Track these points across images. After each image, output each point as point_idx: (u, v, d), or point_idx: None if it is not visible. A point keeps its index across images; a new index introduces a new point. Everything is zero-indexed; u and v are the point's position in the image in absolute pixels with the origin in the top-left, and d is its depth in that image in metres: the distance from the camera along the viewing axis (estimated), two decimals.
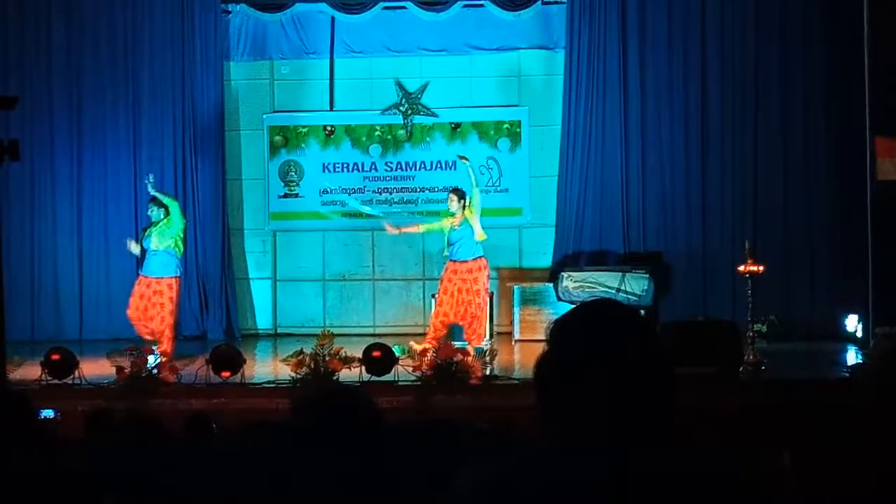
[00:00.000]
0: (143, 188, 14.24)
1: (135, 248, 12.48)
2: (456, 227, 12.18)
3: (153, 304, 12.23)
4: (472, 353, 11.82)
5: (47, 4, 14.50)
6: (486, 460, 2.04)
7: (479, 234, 12.16)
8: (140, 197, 14.29)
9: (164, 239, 12.15)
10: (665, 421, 2.00)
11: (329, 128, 15.07)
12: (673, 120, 14.30)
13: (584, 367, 2.01)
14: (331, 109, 15.08)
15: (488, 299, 12.56)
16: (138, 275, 12.47)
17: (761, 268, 11.39)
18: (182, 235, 12.33)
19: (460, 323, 12.32)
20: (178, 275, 12.41)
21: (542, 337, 2.18)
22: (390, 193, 14.99)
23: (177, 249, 12.28)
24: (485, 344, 12.34)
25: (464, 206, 12.17)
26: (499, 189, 14.82)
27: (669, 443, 1.99)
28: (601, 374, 2.00)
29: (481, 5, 14.68)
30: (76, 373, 10.85)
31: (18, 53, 14.49)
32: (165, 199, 12.34)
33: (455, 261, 12.28)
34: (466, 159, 12.68)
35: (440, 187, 14.81)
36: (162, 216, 12.18)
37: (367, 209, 14.98)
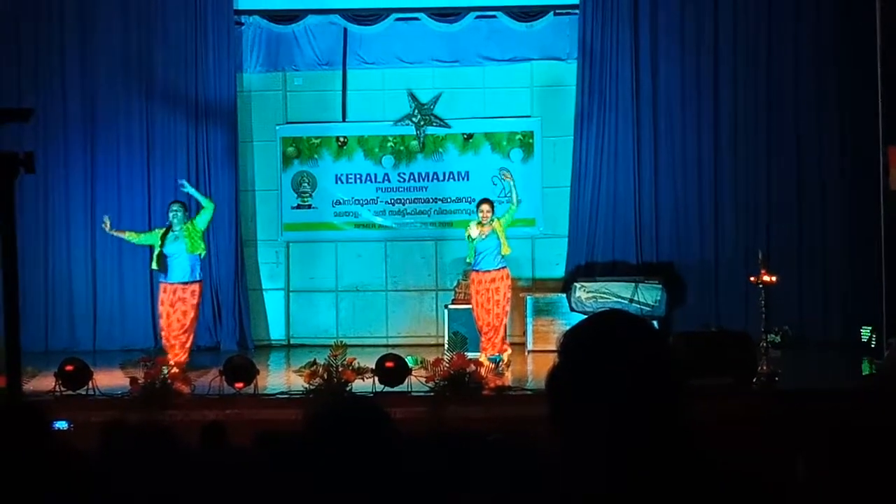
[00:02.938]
0: (156, 198, 14.32)
1: (109, 229, 12.44)
2: (483, 238, 12.20)
3: (175, 311, 12.20)
4: (485, 362, 11.83)
5: (61, 17, 14.54)
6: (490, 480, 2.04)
7: (505, 248, 12.18)
8: (154, 207, 14.32)
9: (198, 245, 12.14)
10: (674, 431, 2.00)
11: (342, 139, 15.09)
12: (685, 130, 14.28)
13: (594, 379, 2.02)
14: (343, 120, 15.10)
15: (509, 310, 12.55)
16: (161, 284, 12.43)
17: (774, 278, 11.37)
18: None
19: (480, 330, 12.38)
20: (202, 279, 12.43)
21: (555, 347, 2.18)
22: (403, 204, 14.99)
23: (203, 253, 12.31)
24: (505, 355, 12.37)
25: (493, 218, 12.20)
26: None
27: (679, 453, 1.99)
28: (611, 385, 2.00)
29: (494, 16, 14.69)
30: (90, 384, 10.89)
31: (33, 67, 14.52)
32: (204, 200, 12.37)
33: (478, 271, 12.31)
34: (509, 175, 12.74)
35: (453, 198, 14.84)
36: (184, 221, 12.14)
37: (379, 220, 15.00)
